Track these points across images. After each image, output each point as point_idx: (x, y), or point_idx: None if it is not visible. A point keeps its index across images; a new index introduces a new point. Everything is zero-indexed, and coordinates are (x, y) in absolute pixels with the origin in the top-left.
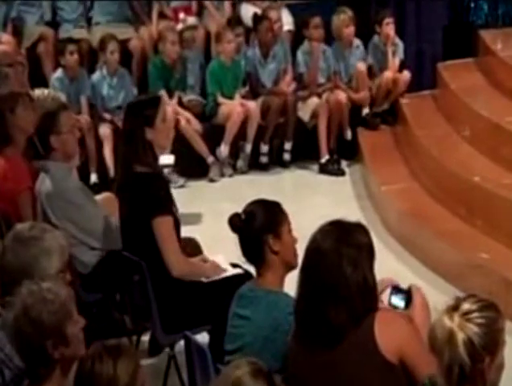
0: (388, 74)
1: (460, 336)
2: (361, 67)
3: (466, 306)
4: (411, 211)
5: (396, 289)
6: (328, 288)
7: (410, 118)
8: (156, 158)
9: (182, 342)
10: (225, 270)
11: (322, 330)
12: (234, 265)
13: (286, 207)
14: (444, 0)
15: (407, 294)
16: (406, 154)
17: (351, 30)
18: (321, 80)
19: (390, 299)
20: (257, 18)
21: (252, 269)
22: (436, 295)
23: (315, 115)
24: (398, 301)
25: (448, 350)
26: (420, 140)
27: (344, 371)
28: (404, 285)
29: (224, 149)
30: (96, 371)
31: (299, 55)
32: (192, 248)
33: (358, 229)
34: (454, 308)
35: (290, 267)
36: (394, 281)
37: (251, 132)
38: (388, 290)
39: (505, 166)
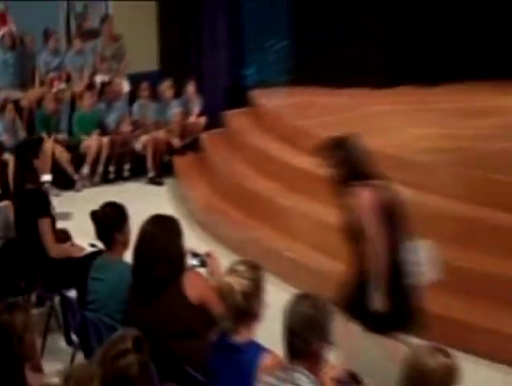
0: (192, 118)
1: (238, 288)
2: (177, 116)
3: (240, 268)
4: (208, 207)
5: (194, 254)
6: (155, 256)
7: (207, 147)
8: (39, 178)
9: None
10: (85, 249)
11: (152, 283)
12: (92, 245)
13: (127, 208)
14: (227, 65)
15: (201, 257)
16: (205, 171)
17: (171, 92)
18: (149, 123)
19: (190, 261)
20: (105, 84)
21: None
22: (223, 262)
23: (145, 146)
24: (196, 262)
25: (231, 298)
26: (214, 162)
27: (166, 309)
28: (200, 251)
29: (85, 170)
30: None
31: (135, 107)
32: (64, 236)
33: (171, 219)
34: (233, 270)
35: (126, 248)
36: (192, 249)
37: (103, 158)
38: (189, 255)
39: (270, 178)
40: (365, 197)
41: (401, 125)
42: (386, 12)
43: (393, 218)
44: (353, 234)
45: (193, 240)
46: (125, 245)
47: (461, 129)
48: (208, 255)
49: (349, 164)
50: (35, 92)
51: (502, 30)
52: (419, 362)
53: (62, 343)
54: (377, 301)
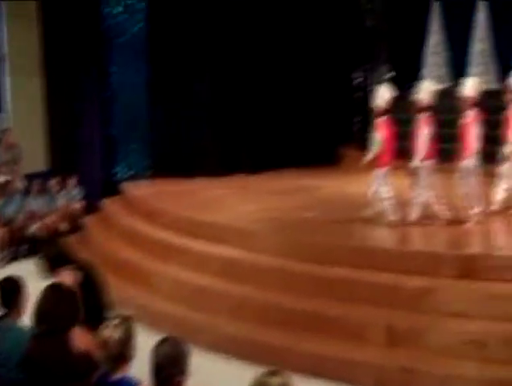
0: (75, 206)
1: (113, 337)
2: (63, 205)
3: (115, 321)
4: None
5: None
6: (51, 313)
7: (88, 228)
8: None
9: None
10: None
11: (48, 334)
12: None
13: (25, 280)
14: (101, 165)
15: None
16: (86, 247)
17: (57, 186)
18: (41, 212)
19: None
20: (5, 183)
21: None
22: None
23: (38, 231)
24: None
25: (108, 345)
26: (93, 238)
27: (58, 354)
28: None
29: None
30: None
31: (29, 199)
32: None
33: (63, 286)
34: (109, 323)
35: (23, 312)
36: None
37: (4, 242)
38: None
39: (136, 247)
40: (66, 279)
41: (233, 203)
42: (217, 126)
43: (93, 292)
44: None
45: None
46: (21, 310)
47: (278, 203)
48: None
49: (58, 256)
50: None
51: (303, 130)
52: (260, 381)
53: None
54: None
